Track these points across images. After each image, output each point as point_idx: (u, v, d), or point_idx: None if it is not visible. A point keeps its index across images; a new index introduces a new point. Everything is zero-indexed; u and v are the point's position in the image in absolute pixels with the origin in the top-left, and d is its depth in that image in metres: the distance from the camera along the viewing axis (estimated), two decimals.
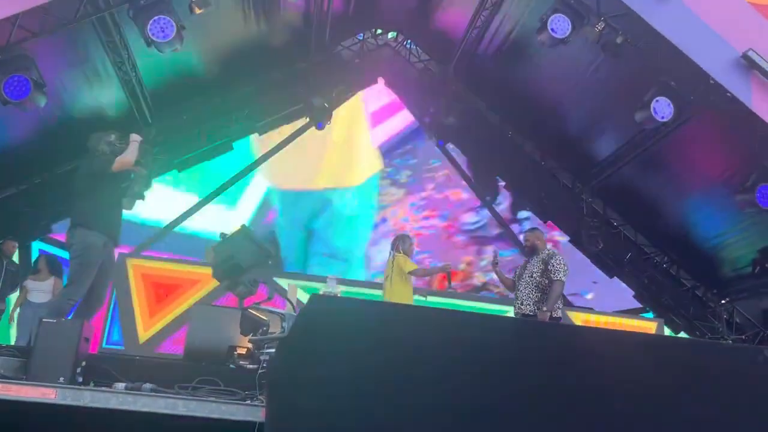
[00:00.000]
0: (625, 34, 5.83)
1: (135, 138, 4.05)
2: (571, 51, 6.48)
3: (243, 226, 2.64)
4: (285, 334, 2.57)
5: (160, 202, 8.40)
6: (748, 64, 5.37)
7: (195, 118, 8.09)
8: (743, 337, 8.27)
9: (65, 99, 6.60)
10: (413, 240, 5.90)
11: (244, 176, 8.96)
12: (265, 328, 2.66)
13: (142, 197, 4.17)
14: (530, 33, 6.52)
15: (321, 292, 3.72)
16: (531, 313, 5.06)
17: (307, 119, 8.75)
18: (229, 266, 2.60)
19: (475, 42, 8.03)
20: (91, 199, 3.96)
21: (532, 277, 5.14)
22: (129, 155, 3.95)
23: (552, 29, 5.83)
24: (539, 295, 5.05)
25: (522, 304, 5.12)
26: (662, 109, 5.72)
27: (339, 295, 3.65)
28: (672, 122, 6.03)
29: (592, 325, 6.55)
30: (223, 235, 3.01)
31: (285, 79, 8.54)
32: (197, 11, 5.30)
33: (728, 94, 5.51)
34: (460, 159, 9.80)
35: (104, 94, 7.01)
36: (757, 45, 5.52)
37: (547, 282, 5.06)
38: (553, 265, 5.04)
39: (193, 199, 9.09)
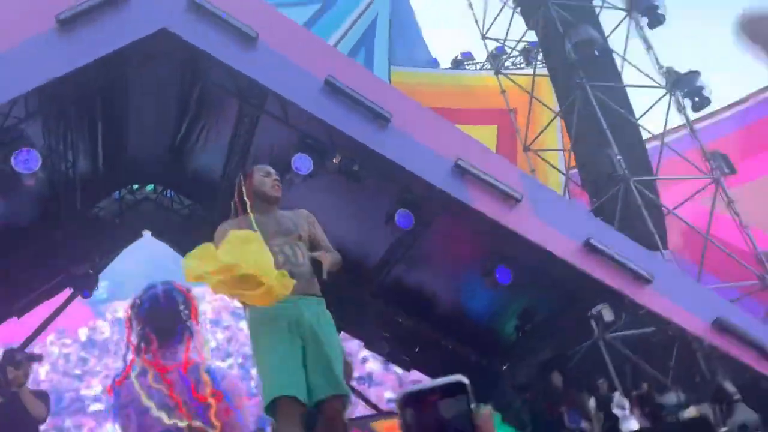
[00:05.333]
0: (360, 162, 6.62)
1: None
2: (323, 179, 7.13)
3: None
4: None
5: None
6: (459, 171, 6.40)
7: None
8: (527, 395, 9.24)
9: None
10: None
11: None
12: None
13: None
14: (285, 166, 7.05)
15: None
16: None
17: (71, 290, 8.24)
18: None
19: (235, 179, 8.38)
20: None
21: None
22: None
23: (296, 168, 6.41)
24: None
25: None
26: (403, 218, 6.53)
27: None
28: (417, 227, 6.87)
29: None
30: None
31: (39, 253, 7.99)
32: None
33: (452, 196, 6.47)
34: None
35: None
36: (465, 154, 6.64)
37: None
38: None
39: None
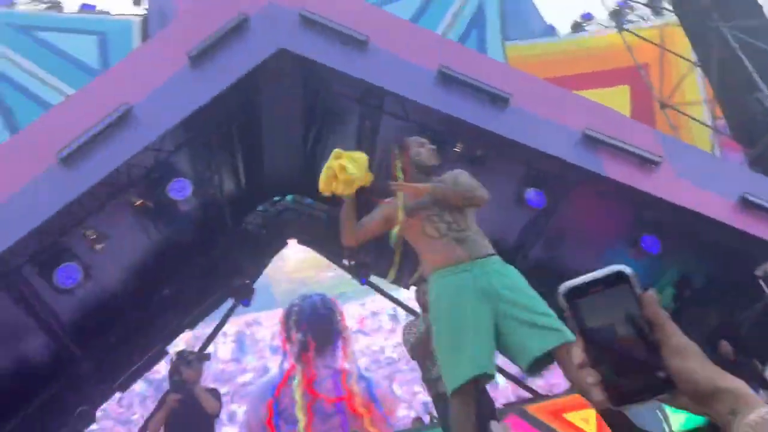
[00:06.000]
0: (483, 146, 6.57)
1: None
2: (448, 169, 7.15)
3: None
4: None
5: None
6: (589, 140, 6.14)
7: (123, 336, 8.13)
8: None
9: None
10: None
11: None
12: None
13: None
14: None
15: None
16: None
17: (233, 301, 8.98)
18: None
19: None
20: None
21: None
22: None
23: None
24: None
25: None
26: (534, 197, 6.38)
27: None
28: (550, 204, 6.68)
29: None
30: None
31: (201, 270, 8.81)
32: (97, 247, 5.59)
33: (583, 168, 6.22)
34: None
35: (26, 344, 7.01)
36: (593, 122, 6.36)
37: None
38: None
39: None
